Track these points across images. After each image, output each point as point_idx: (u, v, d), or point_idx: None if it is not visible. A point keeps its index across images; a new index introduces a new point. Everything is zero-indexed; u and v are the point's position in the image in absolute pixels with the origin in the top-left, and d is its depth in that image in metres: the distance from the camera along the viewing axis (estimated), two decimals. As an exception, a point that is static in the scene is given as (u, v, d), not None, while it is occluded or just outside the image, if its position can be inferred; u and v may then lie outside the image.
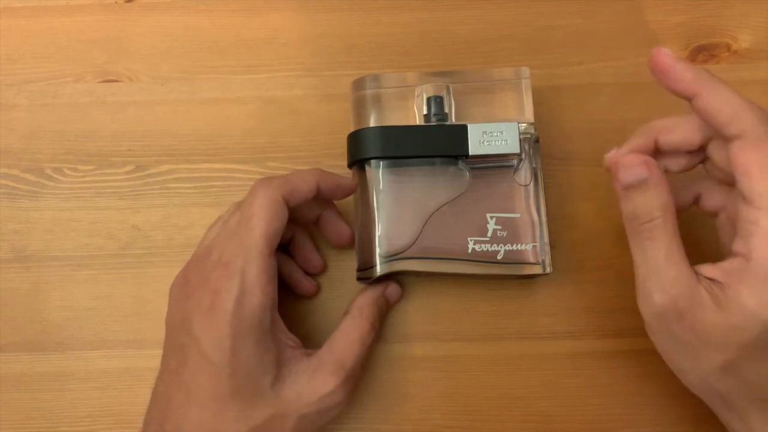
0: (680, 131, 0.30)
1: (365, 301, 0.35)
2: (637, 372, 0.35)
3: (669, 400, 0.34)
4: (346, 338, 0.33)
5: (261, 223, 0.30)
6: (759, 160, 0.26)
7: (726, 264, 0.27)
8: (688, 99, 0.28)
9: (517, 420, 0.35)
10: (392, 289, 0.36)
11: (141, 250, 0.38)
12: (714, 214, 0.31)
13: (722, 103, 0.27)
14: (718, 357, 0.27)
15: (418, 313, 0.37)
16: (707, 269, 0.28)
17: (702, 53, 0.40)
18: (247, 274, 0.29)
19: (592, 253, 0.37)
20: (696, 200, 0.32)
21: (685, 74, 0.28)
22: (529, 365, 0.36)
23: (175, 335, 0.31)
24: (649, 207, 0.28)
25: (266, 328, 0.30)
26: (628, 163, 0.29)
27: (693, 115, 0.29)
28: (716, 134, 0.29)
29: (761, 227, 0.26)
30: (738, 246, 0.27)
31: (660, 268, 0.28)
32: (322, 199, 0.34)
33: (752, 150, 0.26)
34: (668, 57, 0.29)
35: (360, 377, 0.33)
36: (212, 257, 0.31)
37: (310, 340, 0.35)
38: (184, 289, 0.31)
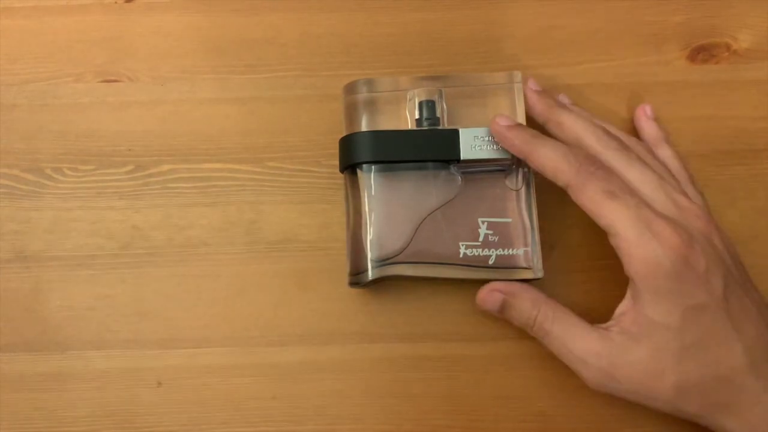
0: None
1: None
2: (637, 372, 0.35)
3: (669, 400, 0.34)
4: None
5: None
6: (590, 201, 0.30)
7: (628, 291, 0.30)
8: (524, 159, 0.32)
9: (517, 420, 0.35)
10: None
11: (141, 250, 0.38)
12: None
13: (546, 161, 0.31)
14: (666, 384, 0.29)
15: (418, 313, 0.37)
16: (619, 307, 0.30)
17: (702, 53, 0.40)
18: None
19: (590, 254, 0.37)
20: None
21: (515, 140, 0.32)
22: (529, 365, 0.36)
23: None
24: (525, 313, 0.32)
25: None
26: (485, 297, 0.33)
27: None
28: None
29: (623, 251, 0.29)
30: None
31: (570, 352, 0.31)
32: None
33: (581, 195, 0.30)
34: (502, 124, 0.33)
35: None
36: None
37: (306, 339, 0.35)
38: None
